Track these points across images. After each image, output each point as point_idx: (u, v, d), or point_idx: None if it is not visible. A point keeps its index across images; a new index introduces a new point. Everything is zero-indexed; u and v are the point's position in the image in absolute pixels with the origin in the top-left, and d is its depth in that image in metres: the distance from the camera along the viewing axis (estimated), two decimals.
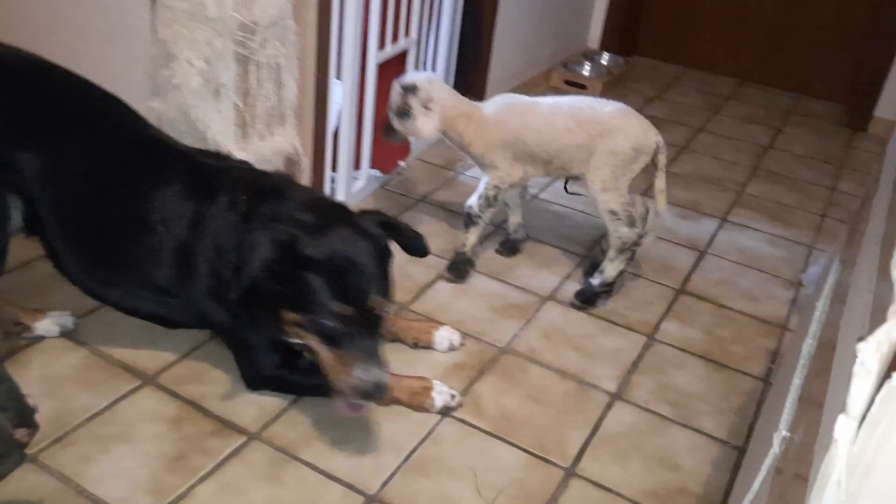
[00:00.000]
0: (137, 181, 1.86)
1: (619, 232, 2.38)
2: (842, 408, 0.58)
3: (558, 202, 3.10)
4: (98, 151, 1.86)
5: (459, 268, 2.50)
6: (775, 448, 0.94)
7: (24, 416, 1.34)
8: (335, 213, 1.80)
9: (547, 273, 2.62)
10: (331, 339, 1.68)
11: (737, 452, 1.97)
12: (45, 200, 1.82)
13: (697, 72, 4.87)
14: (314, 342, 1.70)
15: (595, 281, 2.45)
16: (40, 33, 2.50)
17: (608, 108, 2.40)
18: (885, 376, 0.54)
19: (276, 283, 1.67)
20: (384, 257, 1.76)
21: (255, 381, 1.95)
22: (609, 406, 2.08)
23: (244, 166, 1.97)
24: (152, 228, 1.84)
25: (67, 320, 2.07)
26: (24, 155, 1.79)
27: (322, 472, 1.76)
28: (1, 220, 1.78)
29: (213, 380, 1.99)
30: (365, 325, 1.68)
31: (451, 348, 2.19)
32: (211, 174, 1.88)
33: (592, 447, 1.94)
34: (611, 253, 2.43)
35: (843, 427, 0.56)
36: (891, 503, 0.52)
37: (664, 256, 2.81)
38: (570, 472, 1.85)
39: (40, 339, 2.04)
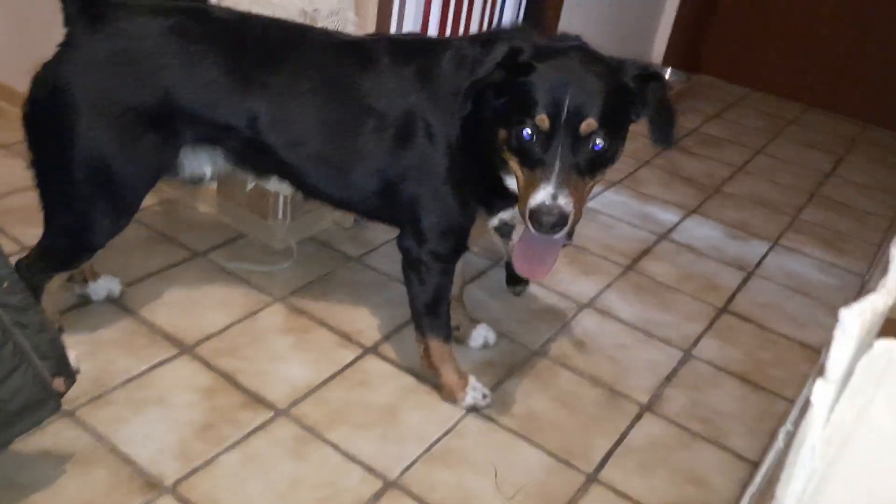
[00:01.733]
0: (355, 76, 1.78)
1: None
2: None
3: (605, 212, 3.08)
4: (311, 70, 1.79)
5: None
6: (780, 443, 0.92)
7: (63, 366, 1.40)
8: (577, 50, 1.63)
9: (587, 280, 2.61)
10: (529, 158, 1.56)
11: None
12: (273, 131, 1.79)
13: (761, 93, 4.79)
14: (514, 163, 1.60)
15: None
16: None
17: None
18: (867, 346, 0.53)
19: (498, 94, 1.59)
20: (618, 94, 1.56)
21: (416, 254, 1.85)
22: (638, 417, 2.06)
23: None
24: (381, 112, 1.77)
25: (116, 287, 2.14)
26: (253, 103, 1.76)
27: (345, 454, 1.79)
28: (148, 177, 1.80)
29: (247, 355, 2.03)
30: (571, 149, 1.52)
31: (485, 346, 2.20)
32: (417, 45, 1.83)
33: (617, 456, 1.92)
34: None
35: (821, 391, 0.55)
36: (868, 474, 0.51)
37: (710, 274, 2.77)
38: (592, 478, 1.84)
39: (87, 301, 2.11)
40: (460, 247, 1.87)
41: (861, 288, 2.83)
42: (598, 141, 1.54)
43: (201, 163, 1.87)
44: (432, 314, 1.92)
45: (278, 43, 1.79)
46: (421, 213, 1.81)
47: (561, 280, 2.58)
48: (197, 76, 1.72)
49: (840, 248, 3.11)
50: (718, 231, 3.08)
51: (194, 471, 1.69)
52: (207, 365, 1.98)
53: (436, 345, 1.94)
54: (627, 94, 1.59)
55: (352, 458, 1.78)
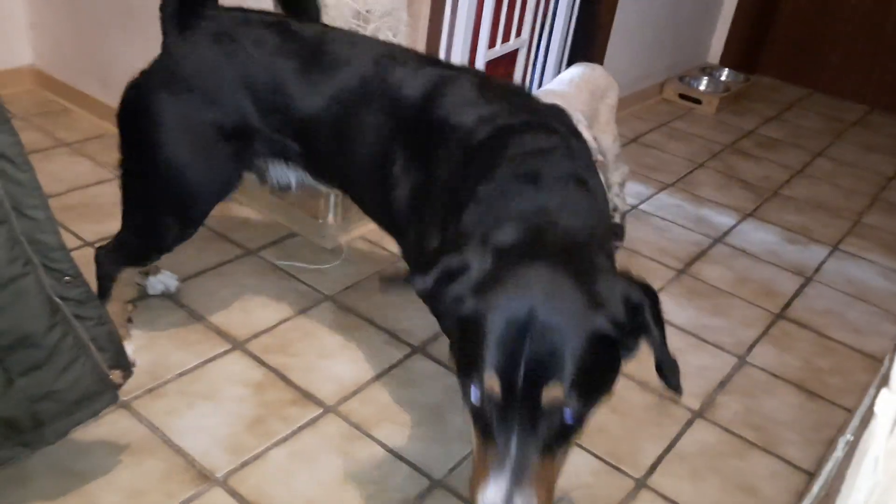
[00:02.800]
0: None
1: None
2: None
3: (658, 214, 3.03)
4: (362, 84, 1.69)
5: None
6: (839, 452, 0.89)
7: (120, 358, 1.43)
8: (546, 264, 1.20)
9: None
10: (481, 423, 1.17)
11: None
12: (333, 163, 1.78)
13: (822, 95, 4.66)
14: (467, 414, 1.22)
15: None
16: None
17: (595, 72, 2.61)
18: None
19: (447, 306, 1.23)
20: (598, 339, 1.14)
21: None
22: (689, 423, 2.02)
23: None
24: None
25: (172, 283, 2.19)
26: (319, 129, 1.72)
27: (391, 452, 1.79)
28: (219, 191, 1.83)
29: (297, 352, 2.05)
30: (532, 425, 1.12)
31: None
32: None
33: (667, 462, 1.88)
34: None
35: (885, 401, 0.53)
36: None
37: (766, 279, 2.70)
38: (642, 484, 1.81)
39: (144, 295, 2.17)
40: None
41: None
42: (570, 410, 1.13)
43: (284, 173, 1.87)
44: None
45: (352, 65, 1.70)
46: None
47: None
48: (270, 93, 1.71)
49: None
50: (776, 235, 3.01)
51: (244, 464, 1.72)
52: (258, 360, 2.01)
53: None
54: (613, 336, 1.17)
55: (398, 457, 1.78)
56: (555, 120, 1.56)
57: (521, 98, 1.66)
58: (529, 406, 1.11)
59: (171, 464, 1.69)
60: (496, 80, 1.74)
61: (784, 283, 2.69)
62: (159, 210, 1.81)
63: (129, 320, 2.01)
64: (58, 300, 1.28)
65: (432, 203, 1.52)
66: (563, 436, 1.15)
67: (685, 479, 1.84)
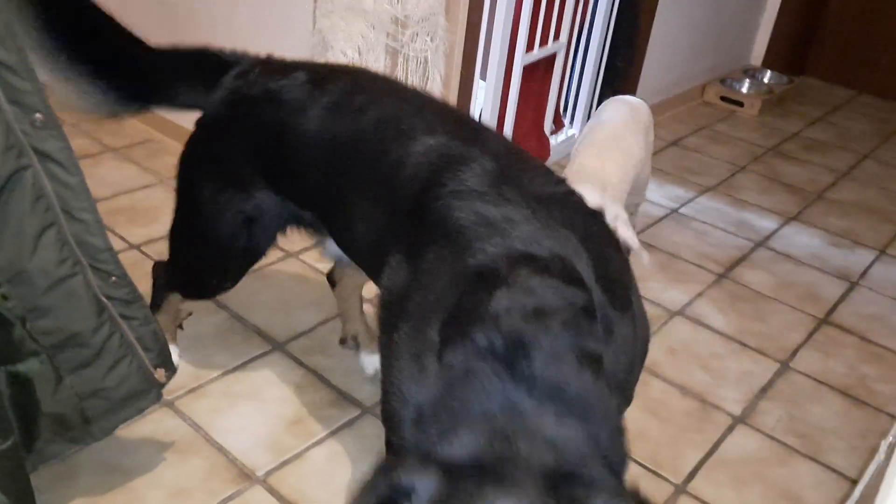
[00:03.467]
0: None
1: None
2: None
3: (699, 218, 2.99)
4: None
5: None
6: (881, 454, 0.87)
7: (165, 358, 1.47)
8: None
9: (679, 288, 2.54)
10: None
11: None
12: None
13: (870, 97, 4.55)
14: None
15: None
16: (217, 24, 2.72)
17: (641, 110, 2.51)
18: None
19: None
20: None
21: None
22: (731, 429, 1.99)
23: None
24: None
25: None
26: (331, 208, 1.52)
27: None
28: (252, 258, 1.71)
29: (336, 353, 2.08)
30: None
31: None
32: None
33: (707, 468, 1.86)
34: None
35: None
36: None
37: (810, 284, 2.65)
38: (681, 490, 1.79)
39: None
40: None
41: None
42: None
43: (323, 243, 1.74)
44: None
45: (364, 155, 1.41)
46: None
47: (652, 287, 2.53)
48: (290, 166, 1.53)
49: None
50: (820, 239, 2.95)
51: (284, 463, 1.74)
52: (298, 361, 2.04)
53: None
54: None
55: None
56: (584, 251, 1.16)
57: (550, 205, 1.21)
58: None
59: (213, 462, 1.72)
60: (520, 164, 1.32)
61: (828, 288, 2.64)
62: (194, 262, 1.76)
63: (180, 327, 2.05)
64: (105, 300, 1.31)
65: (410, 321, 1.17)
66: None
67: (726, 485, 1.82)
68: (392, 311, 1.22)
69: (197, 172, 1.64)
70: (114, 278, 1.32)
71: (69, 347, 1.30)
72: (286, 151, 1.50)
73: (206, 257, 1.73)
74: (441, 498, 0.87)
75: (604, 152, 2.27)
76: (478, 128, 1.45)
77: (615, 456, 1.00)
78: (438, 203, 1.22)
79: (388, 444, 1.27)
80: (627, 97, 2.62)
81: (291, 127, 1.47)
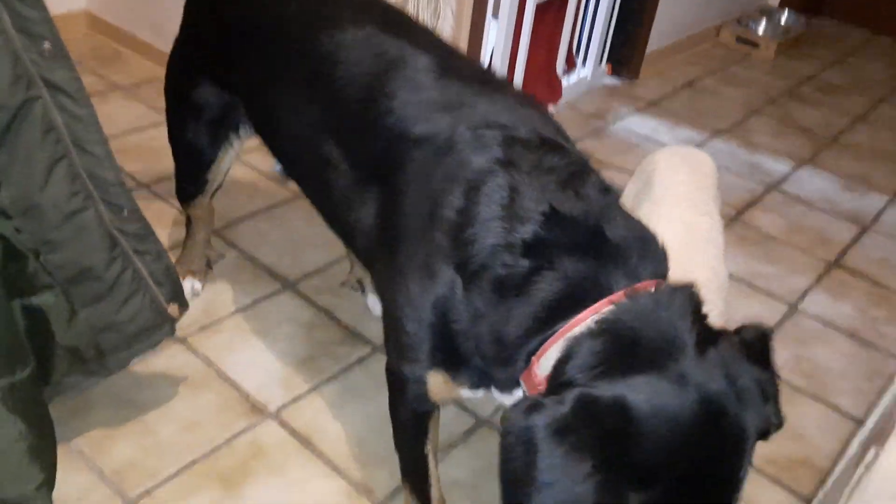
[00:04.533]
0: None
1: None
2: None
3: None
4: None
5: None
6: (893, 392, 0.87)
7: (177, 293, 1.47)
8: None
9: None
10: None
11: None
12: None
13: (888, 38, 4.46)
14: None
15: None
16: None
17: (704, 163, 1.85)
18: None
19: None
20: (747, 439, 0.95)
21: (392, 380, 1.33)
22: None
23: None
24: None
25: None
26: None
27: None
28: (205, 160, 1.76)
29: (345, 293, 2.09)
30: None
31: None
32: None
33: None
34: None
35: None
36: None
37: (821, 227, 2.64)
38: None
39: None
40: None
41: None
42: None
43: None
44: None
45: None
46: None
47: None
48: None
49: None
50: (833, 183, 2.92)
51: (296, 399, 1.77)
52: (308, 300, 2.05)
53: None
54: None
55: None
56: (549, 124, 1.25)
57: (497, 88, 1.29)
58: None
59: (225, 397, 1.75)
60: (455, 57, 1.34)
61: (839, 232, 2.63)
62: (176, 164, 1.85)
63: (209, 265, 2.06)
64: (117, 234, 1.31)
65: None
66: None
67: None
68: (387, 236, 1.25)
69: (168, 76, 1.79)
70: (125, 212, 1.32)
71: (82, 281, 1.31)
72: (220, 39, 1.60)
73: (174, 156, 1.84)
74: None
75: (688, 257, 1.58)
76: (405, 20, 1.49)
77: None
78: (392, 119, 1.25)
79: (394, 371, 1.29)
80: (686, 149, 1.97)
81: (224, 15, 1.60)
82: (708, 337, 0.98)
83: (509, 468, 0.92)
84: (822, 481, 1.72)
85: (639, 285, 1.01)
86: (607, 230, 1.06)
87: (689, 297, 1.01)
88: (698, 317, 1.00)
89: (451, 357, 1.18)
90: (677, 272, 1.38)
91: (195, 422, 1.67)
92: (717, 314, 1.42)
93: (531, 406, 0.90)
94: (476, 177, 1.13)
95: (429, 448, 1.36)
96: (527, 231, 1.06)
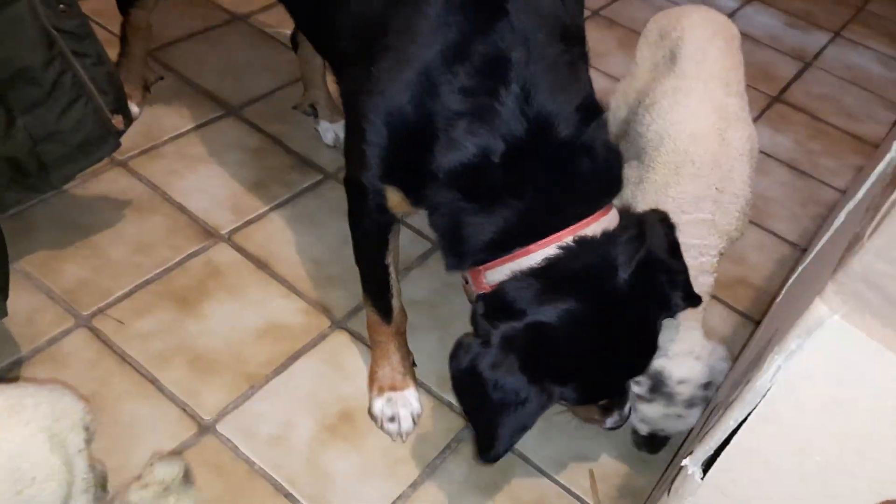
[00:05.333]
0: None
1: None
2: None
3: None
4: None
5: None
6: (893, 152, 0.90)
7: (121, 103, 1.39)
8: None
9: None
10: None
11: (802, 255, 1.95)
12: None
13: None
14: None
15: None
16: None
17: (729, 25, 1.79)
18: None
19: None
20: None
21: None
22: None
23: None
24: None
25: None
26: None
27: None
28: None
29: (295, 120, 2.01)
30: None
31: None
32: None
33: None
34: None
35: None
36: None
37: (766, 63, 2.65)
38: None
39: None
40: None
41: None
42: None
43: None
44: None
45: None
46: None
47: (612, 62, 2.49)
48: None
49: None
50: (779, 19, 2.92)
51: (248, 223, 1.73)
52: (255, 127, 1.97)
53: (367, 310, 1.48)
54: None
55: (403, 223, 1.80)
56: None
57: None
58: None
59: (174, 220, 1.70)
60: None
61: (783, 68, 2.66)
62: None
63: (147, 87, 1.94)
64: (54, 32, 1.21)
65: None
66: None
67: None
68: (368, 41, 1.19)
69: None
70: (62, 6, 1.20)
71: (19, 84, 1.21)
72: None
73: None
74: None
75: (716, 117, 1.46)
76: None
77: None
78: None
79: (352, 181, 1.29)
80: (713, 14, 1.77)
81: None
82: (628, 263, 1.15)
83: (465, 399, 1.20)
84: (759, 298, 1.82)
85: (587, 227, 1.14)
86: (578, 162, 1.14)
87: (626, 242, 1.16)
88: (627, 252, 1.15)
89: (409, 178, 1.20)
90: (709, 149, 1.41)
91: (146, 243, 1.63)
92: (745, 203, 1.44)
93: (467, 350, 1.13)
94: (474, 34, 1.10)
95: (389, 259, 1.38)
96: (507, 136, 1.10)
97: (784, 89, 2.55)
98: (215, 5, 2.32)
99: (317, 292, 1.63)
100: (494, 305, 1.15)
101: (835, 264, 0.62)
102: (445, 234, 1.21)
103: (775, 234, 2.01)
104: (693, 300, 1.25)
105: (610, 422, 1.32)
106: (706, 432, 0.74)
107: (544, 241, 1.13)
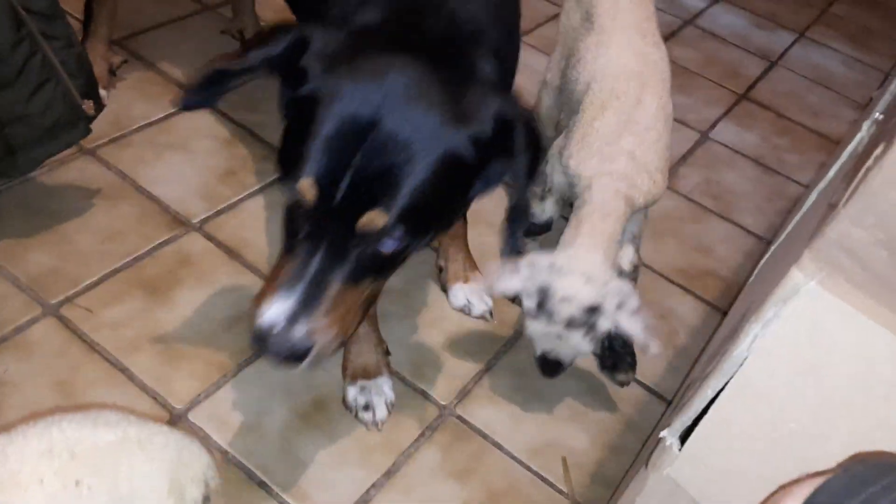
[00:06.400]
0: None
1: None
2: None
3: None
4: None
5: None
6: (864, 132, 0.93)
7: (91, 88, 1.37)
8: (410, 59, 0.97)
9: None
10: (288, 229, 1.00)
11: (768, 247, 1.99)
12: None
13: None
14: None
15: None
16: None
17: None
18: None
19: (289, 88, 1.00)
20: (451, 162, 0.94)
21: None
22: None
23: None
24: None
25: None
26: None
27: None
28: None
29: (265, 110, 1.99)
30: (342, 244, 0.95)
31: (466, 310, 1.66)
32: None
33: None
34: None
35: None
36: None
37: (733, 61, 2.70)
38: None
39: None
40: None
41: (882, 84, 2.78)
42: (392, 241, 0.95)
43: None
44: None
45: None
46: None
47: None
48: None
49: (867, 44, 3.02)
50: (745, 19, 2.97)
51: (220, 212, 1.72)
52: (226, 116, 1.95)
53: None
54: (470, 161, 0.96)
55: None
56: None
57: None
58: (344, 226, 0.92)
59: (145, 209, 1.68)
60: None
61: (750, 66, 2.70)
62: None
63: (113, 73, 1.91)
64: (23, 12, 1.18)
65: None
66: (377, 268, 0.99)
67: (646, 239, 1.90)
68: None
69: None
70: None
71: None
72: None
73: None
74: (334, 49, 0.95)
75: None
76: None
77: (505, 58, 1.14)
78: None
79: None
80: None
81: None
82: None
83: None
84: (726, 290, 1.85)
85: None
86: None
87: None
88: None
89: None
90: (632, 86, 1.45)
91: (115, 232, 1.61)
92: (664, 146, 1.48)
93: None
94: None
95: None
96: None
97: (750, 87, 2.60)
98: None
99: None
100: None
101: (809, 235, 0.63)
102: None
103: (742, 227, 2.04)
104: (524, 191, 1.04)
105: (264, 309, 0.96)
106: (684, 403, 0.75)
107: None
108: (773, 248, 1.40)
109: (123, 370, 1.40)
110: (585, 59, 1.56)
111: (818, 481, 0.50)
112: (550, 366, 1.41)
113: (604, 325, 1.29)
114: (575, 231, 1.35)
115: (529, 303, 1.31)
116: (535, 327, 1.33)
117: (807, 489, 0.50)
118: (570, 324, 1.28)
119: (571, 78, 1.59)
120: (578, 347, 1.33)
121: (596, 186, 1.38)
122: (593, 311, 1.28)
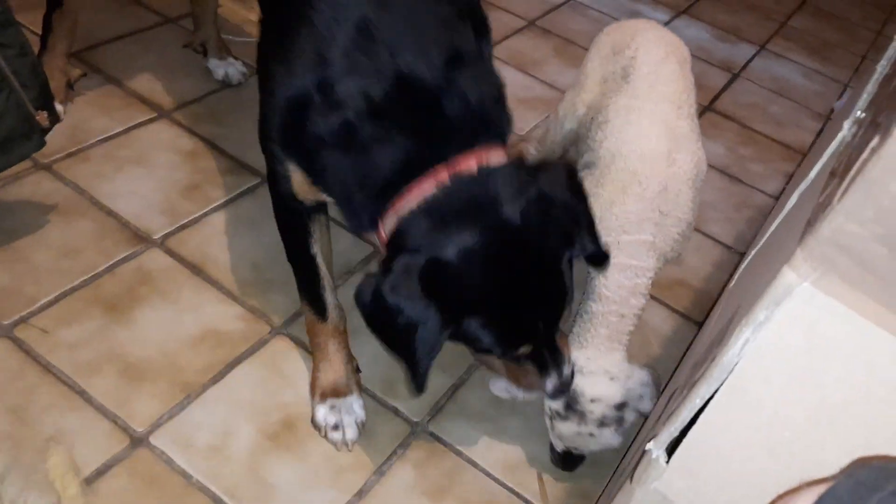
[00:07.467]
0: None
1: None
2: None
3: (595, 7, 2.95)
4: None
5: None
6: (845, 131, 0.92)
7: (46, 99, 1.31)
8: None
9: (574, 72, 2.54)
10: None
11: (739, 257, 1.99)
12: None
13: None
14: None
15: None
16: None
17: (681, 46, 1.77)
18: None
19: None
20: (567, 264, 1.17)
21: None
22: None
23: None
24: None
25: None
26: None
27: (333, 220, 1.78)
28: None
29: (229, 123, 1.95)
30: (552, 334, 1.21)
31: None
32: None
33: None
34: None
35: None
36: None
37: (696, 74, 2.68)
38: None
39: None
40: None
41: (841, 94, 2.83)
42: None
43: None
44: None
45: None
46: None
47: (548, 71, 2.51)
48: None
49: (825, 56, 3.08)
50: (708, 33, 3.01)
51: (182, 227, 1.67)
52: (188, 130, 1.90)
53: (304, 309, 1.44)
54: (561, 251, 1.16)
55: (341, 225, 1.77)
56: None
57: None
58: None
59: (103, 225, 1.62)
60: None
61: (713, 78, 2.73)
62: None
63: (70, 86, 1.85)
64: None
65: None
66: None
67: None
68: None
69: None
70: None
71: None
72: None
73: None
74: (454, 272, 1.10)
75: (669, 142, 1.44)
76: None
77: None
78: None
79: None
80: (668, 35, 1.71)
81: None
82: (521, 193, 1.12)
83: (377, 330, 1.15)
84: (697, 299, 1.85)
85: (464, 162, 1.11)
86: (444, 106, 1.12)
87: (506, 175, 1.13)
88: (511, 185, 1.12)
89: (306, 158, 1.21)
90: (657, 172, 1.39)
91: (72, 248, 1.54)
92: (688, 224, 1.45)
93: (370, 283, 1.11)
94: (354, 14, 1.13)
95: (316, 250, 1.36)
96: (370, 93, 1.11)
97: (714, 99, 2.62)
98: (147, 7, 2.25)
99: (255, 297, 1.57)
100: (390, 254, 1.13)
101: (800, 234, 0.62)
102: (341, 200, 1.21)
103: (712, 238, 2.04)
104: (598, 243, 1.19)
105: (550, 385, 1.22)
106: (669, 414, 0.72)
107: (418, 182, 1.11)
108: (752, 252, 1.38)
109: (81, 393, 1.33)
110: (613, 124, 1.47)
111: (820, 489, 0.48)
112: (574, 460, 1.41)
113: (630, 417, 1.31)
114: (593, 331, 1.34)
115: (557, 405, 1.31)
116: (565, 427, 1.33)
117: (809, 497, 0.48)
118: (602, 423, 1.30)
119: (594, 136, 1.50)
120: (610, 442, 1.33)
121: (612, 282, 1.33)
122: (621, 407, 1.30)
